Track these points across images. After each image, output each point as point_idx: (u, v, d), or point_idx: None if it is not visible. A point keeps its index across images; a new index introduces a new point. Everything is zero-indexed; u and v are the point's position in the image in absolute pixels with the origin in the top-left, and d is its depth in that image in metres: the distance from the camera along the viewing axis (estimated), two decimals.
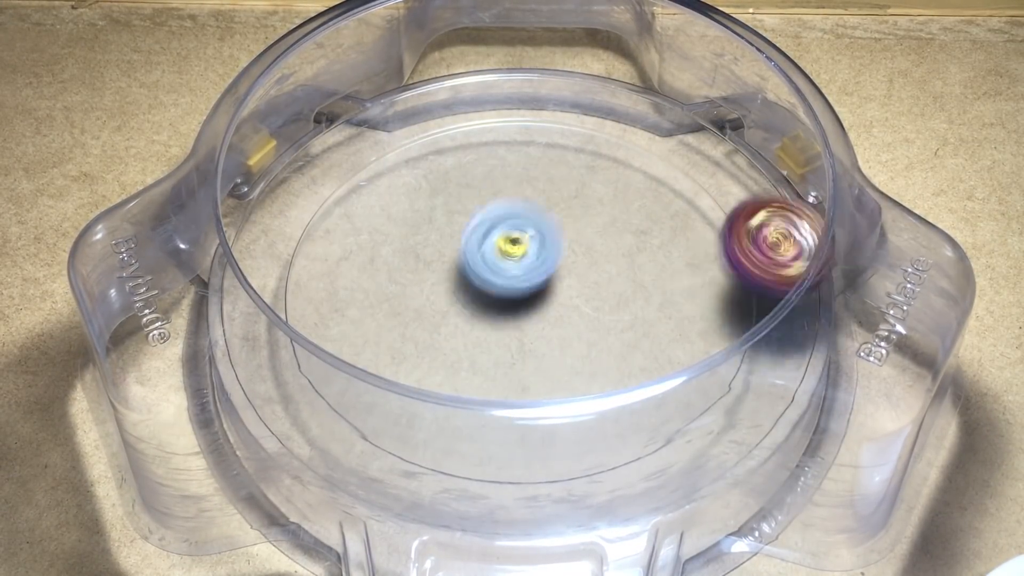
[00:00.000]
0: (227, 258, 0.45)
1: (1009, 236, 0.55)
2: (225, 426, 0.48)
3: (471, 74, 0.61)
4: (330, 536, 0.45)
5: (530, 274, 0.50)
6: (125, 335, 0.48)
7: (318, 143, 0.58)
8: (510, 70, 0.61)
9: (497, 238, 0.50)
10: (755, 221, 0.48)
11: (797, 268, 0.47)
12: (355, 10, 0.55)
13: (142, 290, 0.47)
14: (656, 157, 0.57)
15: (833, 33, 0.64)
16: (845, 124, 0.56)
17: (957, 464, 0.48)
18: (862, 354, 0.45)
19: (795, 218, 0.48)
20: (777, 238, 0.48)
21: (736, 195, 0.55)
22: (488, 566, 0.45)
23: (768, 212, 0.48)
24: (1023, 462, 0.48)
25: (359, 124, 0.59)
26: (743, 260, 0.47)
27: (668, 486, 0.45)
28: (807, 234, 0.48)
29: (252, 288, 0.44)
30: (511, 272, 0.50)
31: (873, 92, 0.61)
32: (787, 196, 0.52)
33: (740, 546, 0.45)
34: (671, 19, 0.59)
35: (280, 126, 0.56)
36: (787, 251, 0.47)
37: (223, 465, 0.47)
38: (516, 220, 0.50)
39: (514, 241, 0.50)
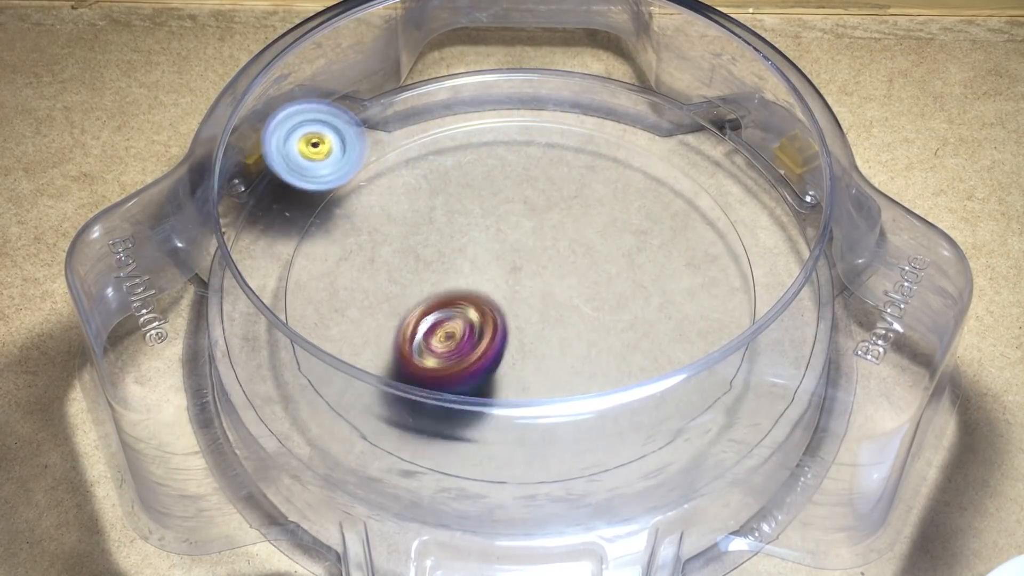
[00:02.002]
0: (224, 259, 0.45)
1: (1009, 236, 0.55)
2: (225, 426, 0.48)
3: (471, 74, 0.61)
4: (330, 536, 0.45)
5: (337, 174, 0.51)
6: (124, 335, 0.48)
7: None
8: (510, 70, 0.61)
9: (298, 141, 0.51)
10: (418, 335, 0.46)
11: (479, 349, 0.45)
12: (353, 10, 0.55)
13: (140, 290, 0.47)
14: (656, 157, 0.57)
15: (833, 33, 0.64)
16: (845, 124, 0.56)
17: (956, 464, 0.48)
18: (859, 352, 0.46)
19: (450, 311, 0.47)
20: (442, 335, 0.46)
21: (736, 195, 0.55)
22: (488, 566, 0.45)
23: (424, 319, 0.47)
24: (1023, 462, 0.48)
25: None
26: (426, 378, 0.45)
27: (667, 485, 0.45)
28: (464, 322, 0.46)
29: (250, 289, 0.44)
30: (319, 173, 0.51)
31: (873, 92, 0.61)
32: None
33: (740, 545, 0.45)
34: (669, 19, 0.59)
35: None
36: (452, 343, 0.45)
37: (223, 465, 0.47)
38: (315, 122, 0.51)
39: (315, 144, 0.50)
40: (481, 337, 0.45)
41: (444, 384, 0.45)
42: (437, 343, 0.46)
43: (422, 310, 0.47)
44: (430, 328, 0.46)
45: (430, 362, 0.45)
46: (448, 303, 0.47)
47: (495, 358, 0.46)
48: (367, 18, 0.57)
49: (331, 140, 0.51)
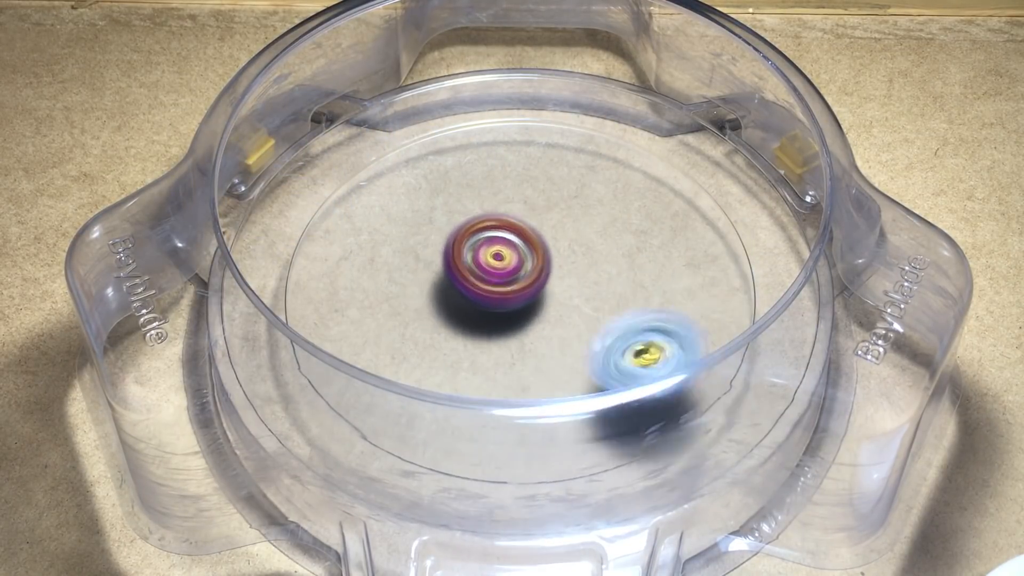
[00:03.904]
0: (225, 258, 0.45)
1: (1009, 236, 0.55)
2: (225, 426, 0.48)
3: (471, 74, 0.61)
4: (330, 536, 0.45)
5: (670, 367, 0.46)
6: (124, 335, 0.48)
7: (318, 143, 0.58)
8: (510, 70, 0.61)
9: (627, 354, 0.46)
10: (471, 242, 0.50)
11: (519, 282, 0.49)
12: (353, 10, 0.55)
13: (140, 290, 0.47)
14: (656, 157, 0.57)
15: (833, 33, 0.64)
16: (845, 124, 0.56)
17: (956, 464, 0.48)
18: (860, 352, 0.46)
19: (509, 234, 0.50)
20: (494, 255, 0.49)
21: (736, 195, 0.55)
22: (488, 566, 0.45)
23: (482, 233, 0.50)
24: (1023, 462, 0.48)
25: (359, 124, 0.59)
26: (465, 283, 0.49)
27: (667, 485, 0.45)
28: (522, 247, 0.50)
29: (250, 289, 0.44)
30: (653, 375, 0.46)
31: (873, 92, 0.61)
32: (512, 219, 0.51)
33: (740, 545, 0.45)
34: (669, 19, 0.59)
35: (278, 126, 0.56)
36: (506, 266, 0.49)
37: (223, 465, 0.47)
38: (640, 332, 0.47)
39: (642, 352, 0.46)
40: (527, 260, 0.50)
41: (503, 302, 0.49)
42: (489, 261, 0.49)
43: (468, 228, 0.50)
44: (479, 247, 0.49)
45: (469, 266, 0.49)
46: (514, 229, 0.50)
47: (545, 279, 0.50)
48: (367, 18, 0.57)
49: (664, 345, 0.46)
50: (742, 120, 0.57)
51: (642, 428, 0.45)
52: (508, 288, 0.49)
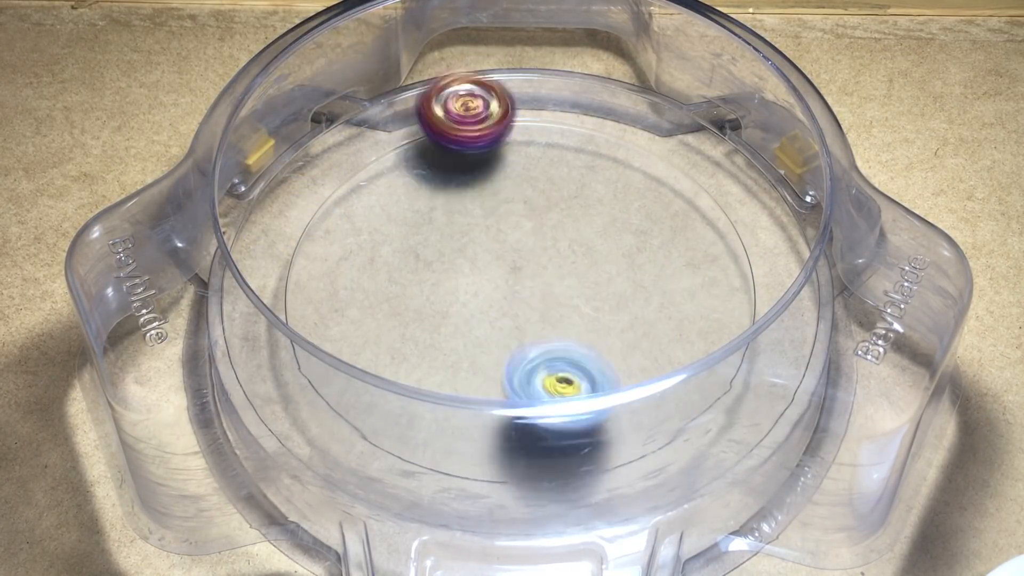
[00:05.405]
0: (225, 258, 0.45)
1: (1009, 236, 0.55)
2: (225, 426, 0.48)
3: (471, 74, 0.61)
4: (330, 536, 0.45)
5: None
6: (124, 335, 0.48)
7: (318, 143, 0.58)
8: (510, 70, 0.61)
9: (545, 378, 0.46)
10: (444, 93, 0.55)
11: (484, 126, 0.54)
12: (353, 10, 0.55)
13: (139, 290, 0.47)
14: (656, 157, 0.57)
15: (833, 33, 0.64)
16: (845, 124, 0.56)
17: (956, 464, 0.48)
18: (859, 352, 0.46)
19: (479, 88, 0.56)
20: (463, 104, 0.55)
21: (736, 195, 0.55)
22: (488, 566, 0.45)
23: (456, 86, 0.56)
24: (1023, 462, 0.48)
25: (359, 124, 0.59)
26: (431, 124, 0.54)
27: (667, 485, 0.45)
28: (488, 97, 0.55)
29: (250, 289, 0.44)
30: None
31: (873, 92, 0.61)
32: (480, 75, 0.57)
33: (740, 545, 0.45)
34: (668, 19, 0.59)
35: (278, 126, 0.56)
36: (472, 113, 0.55)
37: (223, 465, 0.47)
38: (560, 361, 0.47)
39: (565, 380, 0.46)
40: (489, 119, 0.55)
41: (447, 140, 0.55)
42: (455, 107, 0.55)
43: (456, 79, 0.56)
44: (455, 95, 0.55)
45: (441, 117, 0.54)
46: (480, 83, 0.56)
47: (494, 139, 0.55)
48: (367, 18, 0.57)
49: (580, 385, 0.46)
50: (742, 120, 0.57)
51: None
52: (480, 128, 0.54)
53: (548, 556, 0.45)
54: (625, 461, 0.46)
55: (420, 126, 0.55)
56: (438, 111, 0.54)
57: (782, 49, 0.55)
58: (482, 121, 0.54)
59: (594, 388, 0.45)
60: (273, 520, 0.46)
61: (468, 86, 0.55)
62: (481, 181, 0.56)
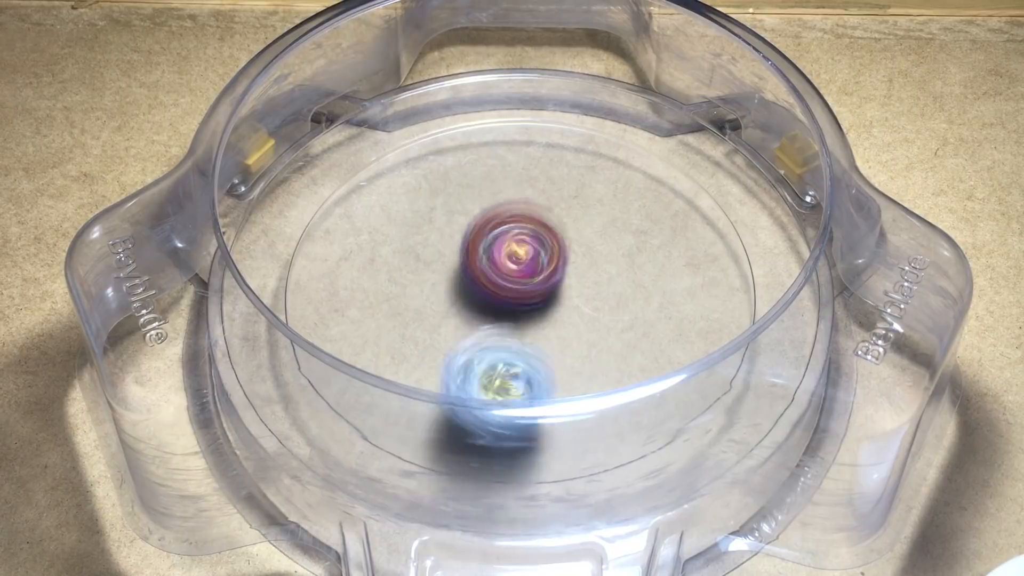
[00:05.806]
0: (225, 258, 0.45)
1: (1009, 236, 0.55)
2: (225, 426, 0.48)
3: (471, 74, 0.61)
4: (330, 536, 0.45)
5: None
6: (124, 335, 0.48)
7: (318, 143, 0.58)
8: (510, 70, 0.61)
9: (484, 383, 0.45)
10: (491, 236, 0.49)
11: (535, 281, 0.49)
12: (353, 10, 0.55)
13: (139, 290, 0.47)
14: (656, 157, 0.57)
15: (833, 33, 0.64)
16: (845, 124, 0.56)
17: (956, 464, 0.48)
18: (859, 352, 0.46)
19: (531, 231, 0.49)
20: (511, 252, 0.49)
21: (736, 195, 0.55)
22: (488, 566, 0.45)
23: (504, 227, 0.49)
24: (1023, 462, 0.48)
25: (359, 124, 0.59)
26: (480, 279, 0.49)
27: (667, 485, 0.45)
28: (541, 244, 0.49)
29: (250, 289, 0.44)
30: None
31: (873, 92, 0.61)
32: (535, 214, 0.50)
33: (740, 545, 0.45)
34: (668, 19, 0.59)
35: (278, 126, 0.56)
36: (522, 264, 0.49)
37: (223, 465, 0.47)
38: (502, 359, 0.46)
39: (504, 388, 0.46)
40: (544, 259, 0.49)
41: (517, 300, 0.49)
42: (506, 262, 0.49)
43: (487, 223, 0.49)
44: (496, 244, 0.49)
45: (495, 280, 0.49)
46: (510, 219, 0.50)
47: (558, 280, 0.50)
48: (367, 18, 0.57)
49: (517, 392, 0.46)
50: (742, 120, 0.57)
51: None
52: (526, 285, 0.49)
53: (548, 556, 0.45)
54: (625, 461, 0.46)
55: (463, 271, 0.50)
56: (483, 258, 0.49)
57: (782, 49, 0.55)
58: (534, 274, 0.49)
59: (532, 389, 0.45)
60: (273, 520, 0.46)
61: (518, 226, 0.49)
62: (481, 181, 0.56)
